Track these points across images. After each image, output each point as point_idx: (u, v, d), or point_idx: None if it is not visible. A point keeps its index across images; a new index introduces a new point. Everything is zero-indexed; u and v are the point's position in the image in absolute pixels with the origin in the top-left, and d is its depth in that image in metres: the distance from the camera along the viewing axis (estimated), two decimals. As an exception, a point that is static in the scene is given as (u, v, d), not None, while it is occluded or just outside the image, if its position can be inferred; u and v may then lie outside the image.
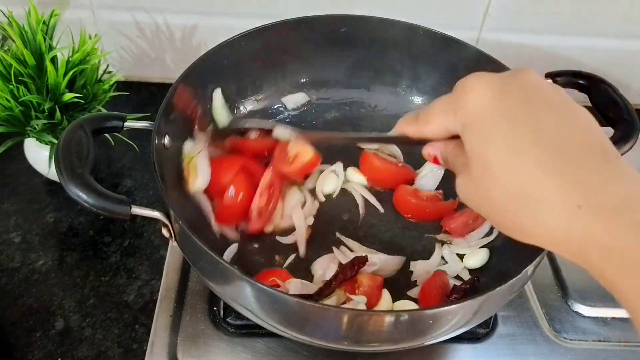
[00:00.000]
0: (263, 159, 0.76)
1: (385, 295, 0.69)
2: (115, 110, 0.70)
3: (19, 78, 0.77)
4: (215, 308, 0.73)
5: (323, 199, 0.81)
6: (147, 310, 0.75)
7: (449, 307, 0.56)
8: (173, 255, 0.79)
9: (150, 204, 0.88)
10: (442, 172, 0.82)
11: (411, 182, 0.83)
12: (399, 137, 0.52)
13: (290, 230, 0.76)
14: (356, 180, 0.84)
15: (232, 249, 0.73)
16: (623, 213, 0.36)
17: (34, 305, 0.75)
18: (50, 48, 0.79)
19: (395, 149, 0.87)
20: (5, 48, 0.81)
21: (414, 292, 0.71)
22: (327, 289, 0.66)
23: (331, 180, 0.83)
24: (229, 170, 0.73)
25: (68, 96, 0.77)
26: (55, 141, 0.79)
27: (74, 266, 0.80)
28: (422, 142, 0.51)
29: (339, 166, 0.84)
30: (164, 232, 0.63)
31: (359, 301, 0.66)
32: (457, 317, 0.58)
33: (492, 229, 0.77)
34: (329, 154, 0.82)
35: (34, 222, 0.85)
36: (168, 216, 0.61)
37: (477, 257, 0.74)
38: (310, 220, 0.77)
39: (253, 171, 0.75)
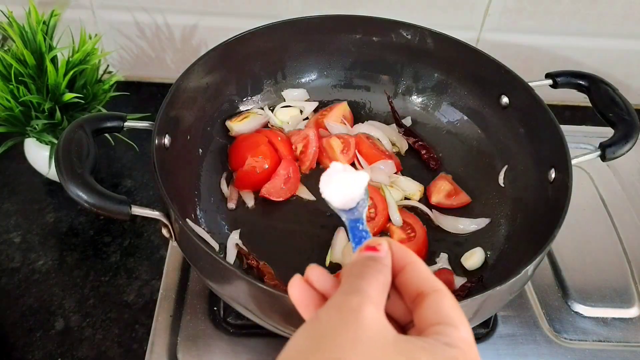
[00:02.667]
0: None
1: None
2: (115, 110, 0.70)
3: (19, 78, 0.77)
4: (215, 308, 0.73)
5: (278, 123, 0.88)
6: (147, 310, 0.75)
7: (449, 307, 0.55)
8: (173, 255, 0.79)
9: (150, 204, 0.88)
10: None
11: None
12: None
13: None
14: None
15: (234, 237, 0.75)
16: None
17: (34, 305, 0.75)
18: (50, 48, 0.79)
19: (402, 142, 0.88)
20: (6, 48, 0.81)
21: None
22: None
23: (290, 112, 0.89)
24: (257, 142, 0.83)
25: (68, 96, 0.77)
26: (55, 141, 0.79)
27: (74, 266, 0.80)
28: None
29: (310, 105, 0.90)
30: (164, 232, 0.63)
31: None
32: (457, 317, 0.58)
33: None
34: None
35: (34, 222, 0.85)
36: (168, 216, 0.61)
37: (475, 259, 0.75)
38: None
39: (276, 146, 0.84)
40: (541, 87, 0.78)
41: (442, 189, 0.82)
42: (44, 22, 0.80)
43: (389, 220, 0.79)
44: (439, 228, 0.79)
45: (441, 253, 0.76)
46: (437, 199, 0.82)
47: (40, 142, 0.82)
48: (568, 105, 1.09)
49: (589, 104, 0.78)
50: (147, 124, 0.68)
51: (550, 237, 0.61)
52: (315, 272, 0.38)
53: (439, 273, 0.72)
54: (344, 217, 0.46)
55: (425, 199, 0.83)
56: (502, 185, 0.81)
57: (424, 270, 0.38)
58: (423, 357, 0.32)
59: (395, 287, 0.38)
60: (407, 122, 0.90)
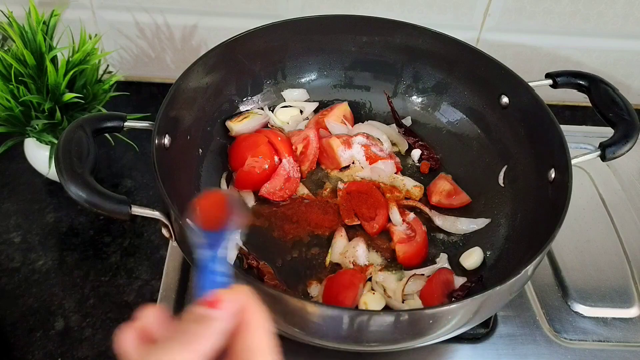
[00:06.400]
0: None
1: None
2: (115, 110, 0.70)
3: (19, 78, 0.77)
4: (215, 308, 0.73)
5: (278, 123, 0.89)
6: (147, 310, 0.75)
7: (449, 306, 0.56)
8: (173, 255, 0.79)
9: (150, 204, 0.88)
10: None
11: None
12: None
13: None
14: None
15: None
16: None
17: (34, 305, 0.75)
18: (50, 48, 0.79)
19: (402, 142, 0.89)
20: (6, 48, 0.81)
21: None
22: None
23: (290, 112, 0.90)
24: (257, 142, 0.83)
25: (68, 96, 0.77)
26: (55, 141, 0.79)
27: (74, 266, 0.80)
28: None
29: (310, 105, 0.90)
30: (164, 232, 0.63)
31: None
32: (457, 317, 0.58)
33: None
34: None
35: (34, 222, 0.85)
36: (168, 216, 0.61)
37: (473, 258, 0.75)
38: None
39: (276, 146, 0.84)
40: (541, 87, 0.78)
41: (442, 189, 0.82)
42: (44, 22, 0.80)
43: (389, 220, 0.79)
44: (439, 228, 0.79)
45: (441, 253, 0.76)
46: (437, 199, 0.82)
47: (40, 142, 0.82)
48: (568, 105, 1.09)
49: (589, 104, 0.78)
50: (147, 124, 0.68)
51: (550, 237, 0.61)
52: (150, 315, 0.36)
53: (439, 273, 0.72)
54: (198, 245, 0.38)
55: (425, 199, 0.83)
56: (502, 185, 0.81)
57: (257, 341, 0.34)
58: None
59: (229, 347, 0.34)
60: (407, 122, 0.90)
